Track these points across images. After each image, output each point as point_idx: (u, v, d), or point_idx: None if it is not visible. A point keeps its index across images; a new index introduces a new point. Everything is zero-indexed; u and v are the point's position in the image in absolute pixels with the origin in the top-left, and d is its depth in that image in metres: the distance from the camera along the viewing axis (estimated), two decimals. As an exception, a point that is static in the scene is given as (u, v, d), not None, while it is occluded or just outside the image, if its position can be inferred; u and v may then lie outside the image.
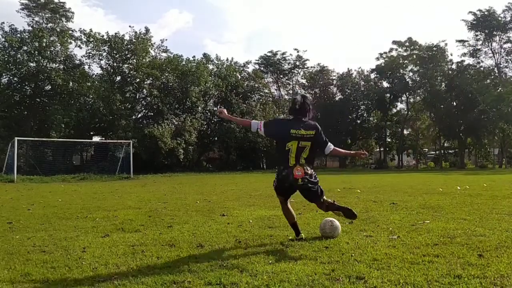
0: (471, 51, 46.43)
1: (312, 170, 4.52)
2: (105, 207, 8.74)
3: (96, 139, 37.78)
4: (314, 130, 4.43)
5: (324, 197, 4.67)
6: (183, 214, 7.26)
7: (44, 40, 32.10)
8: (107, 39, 35.05)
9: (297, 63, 52.17)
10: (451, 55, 62.64)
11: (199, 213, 7.35)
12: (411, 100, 51.05)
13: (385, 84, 50.81)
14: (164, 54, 38.68)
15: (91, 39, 34.83)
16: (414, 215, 6.55)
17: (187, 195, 11.62)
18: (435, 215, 6.43)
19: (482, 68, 46.50)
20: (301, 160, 4.39)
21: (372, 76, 51.48)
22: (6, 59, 31.64)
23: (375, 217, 6.38)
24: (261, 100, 44.71)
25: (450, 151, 53.95)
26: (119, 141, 30.57)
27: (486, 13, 44.30)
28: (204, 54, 43.31)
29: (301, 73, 53.48)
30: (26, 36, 32.49)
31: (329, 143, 4.57)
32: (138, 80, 36.18)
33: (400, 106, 52.55)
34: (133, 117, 36.66)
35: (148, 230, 5.67)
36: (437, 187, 12.68)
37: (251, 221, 6.16)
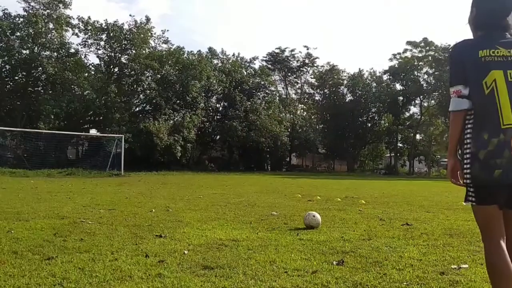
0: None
1: None
2: (25, 212, 6.65)
3: (92, 131, 35.86)
4: None
5: None
6: (101, 233, 5.08)
7: (40, 26, 30.28)
8: (105, 27, 33.13)
9: (307, 61, 49.62)
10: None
11: (127, 232, 5.11)
12: (425, 104, 48.49)
13: (398, 86, 48.38)
14: (164, 45, 36.68)
15: (89, 27, 32.99)
16: (440, 249, 4.33)
17: (152, 199, 9.54)
18: (474, 252, 4.16)
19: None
20: None
21: (385, 77, 49.02)
22: (-2, 45, 29.96)
23: (380, 250, 4.20)
24: (266, 98, 42.45)
25: (464, 159, 51.18)
26: (110, 135, 28.60)
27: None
28: (210, 48, 41.42)
29: (310, 71, 51.08)
30: (19, 22, 30.73)
31: None
32: (136, 72, 34.21)
33: (413, 110, 49.95)
34: (130, 110, 34.61)
35: (16, 261, 3.57)
36: (458, 200, 10.41)
37: (186, 251, 3.97)
